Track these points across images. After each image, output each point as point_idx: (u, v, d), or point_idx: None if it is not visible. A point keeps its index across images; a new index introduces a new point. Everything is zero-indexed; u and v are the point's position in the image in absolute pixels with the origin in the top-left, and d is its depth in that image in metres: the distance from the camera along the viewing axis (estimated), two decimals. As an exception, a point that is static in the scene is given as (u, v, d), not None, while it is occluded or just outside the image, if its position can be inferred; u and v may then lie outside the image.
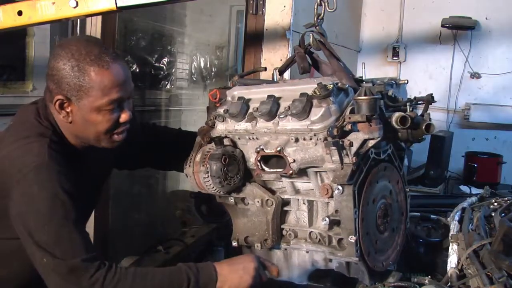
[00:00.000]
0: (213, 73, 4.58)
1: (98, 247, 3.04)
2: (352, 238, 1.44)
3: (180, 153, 1.76)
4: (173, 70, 4.28)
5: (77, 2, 1.78)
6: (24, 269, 1.51)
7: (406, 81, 1.75)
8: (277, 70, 1.83)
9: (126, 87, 1.45)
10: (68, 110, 1.44)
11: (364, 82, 1.64)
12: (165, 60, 4.16)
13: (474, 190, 3.61)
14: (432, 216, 2.08)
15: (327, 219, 1.47)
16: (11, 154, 1.37)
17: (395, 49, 4.69)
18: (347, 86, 1.53)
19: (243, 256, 1.51)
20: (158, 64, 4.10)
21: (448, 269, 1.53)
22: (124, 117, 1.46)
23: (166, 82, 4.20)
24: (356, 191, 1.44)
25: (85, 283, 1.28)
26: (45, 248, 1.30)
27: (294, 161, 1.49)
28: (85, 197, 1.46)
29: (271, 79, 1.90)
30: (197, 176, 1.59)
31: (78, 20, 2.76)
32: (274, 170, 1.54)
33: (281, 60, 2.77)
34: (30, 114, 1.48)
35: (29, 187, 1.32)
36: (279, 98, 1.56)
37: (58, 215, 1.31)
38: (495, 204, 1.91)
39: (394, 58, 4.71)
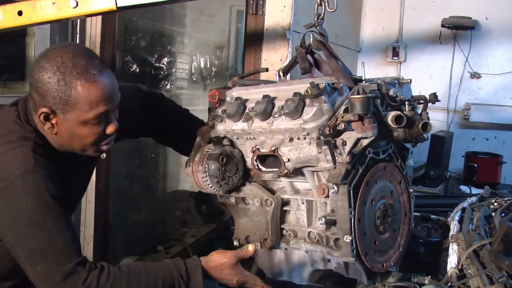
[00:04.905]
0: (213, 73, 4.57)
1: (98, 247, 3.05)
2: (348, 238, 1.44)
3: (182, 134, 1.78)
4: (173, 70, 4.28)
5: (77, 2, 1.78)
6: (16, 271, 1.51)
7: (409, 80, 1.74)
8: (281, 71, 1.83)
9: (113, 99, 1.41)
10: (53, 122, 1.40)
11: (364, 82, 1.63)
12: (165, 60, 4.15)
13: (474, 190, 3.60)
14: (432, 216, 2.08)
15: (323, 218, 1.46)
16: None
17: (395, 49, 4.68)
18: (341, 85, 1.52)
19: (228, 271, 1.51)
20: (158, 64, 4.09)
21: (448, 269, 1.52)
22: (110, 129, 1.44)
23: (166, 82, 4.20)
24: (351, 191, 1.44)
25: None
26: (37, 255, 1.28)
27: (289, 160, 1.49)
28: (70, 197, 1.44)
29: (271, 80, 1.90)
30: (196, 175, 1.60)
31: (78, 20, 2.76)
32: (270, 170, 1.55)
33: (281, 60, 2.77)
34: (11, 118, 1.44)
35: (16, 194, 1.29)
36: (274, 98, 1.56)
37: (48, 221, 1.29)
38: (495, 204, 1.91)
39: (394, 58, 4.69)
